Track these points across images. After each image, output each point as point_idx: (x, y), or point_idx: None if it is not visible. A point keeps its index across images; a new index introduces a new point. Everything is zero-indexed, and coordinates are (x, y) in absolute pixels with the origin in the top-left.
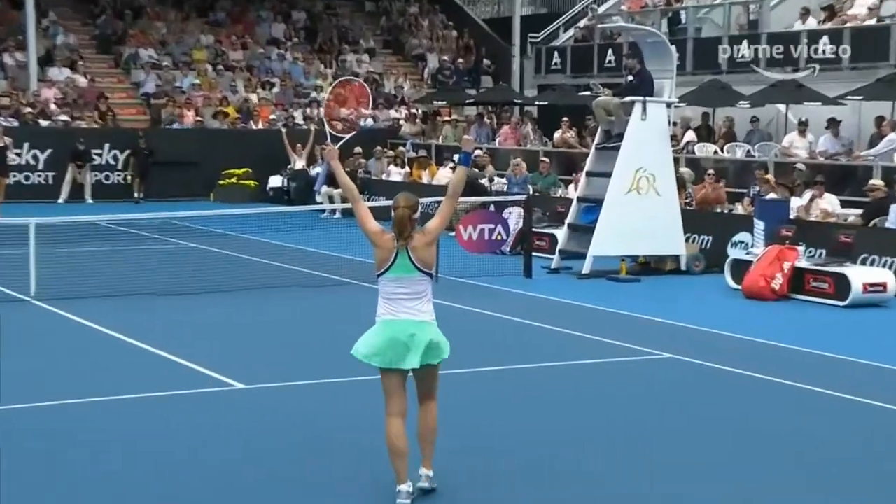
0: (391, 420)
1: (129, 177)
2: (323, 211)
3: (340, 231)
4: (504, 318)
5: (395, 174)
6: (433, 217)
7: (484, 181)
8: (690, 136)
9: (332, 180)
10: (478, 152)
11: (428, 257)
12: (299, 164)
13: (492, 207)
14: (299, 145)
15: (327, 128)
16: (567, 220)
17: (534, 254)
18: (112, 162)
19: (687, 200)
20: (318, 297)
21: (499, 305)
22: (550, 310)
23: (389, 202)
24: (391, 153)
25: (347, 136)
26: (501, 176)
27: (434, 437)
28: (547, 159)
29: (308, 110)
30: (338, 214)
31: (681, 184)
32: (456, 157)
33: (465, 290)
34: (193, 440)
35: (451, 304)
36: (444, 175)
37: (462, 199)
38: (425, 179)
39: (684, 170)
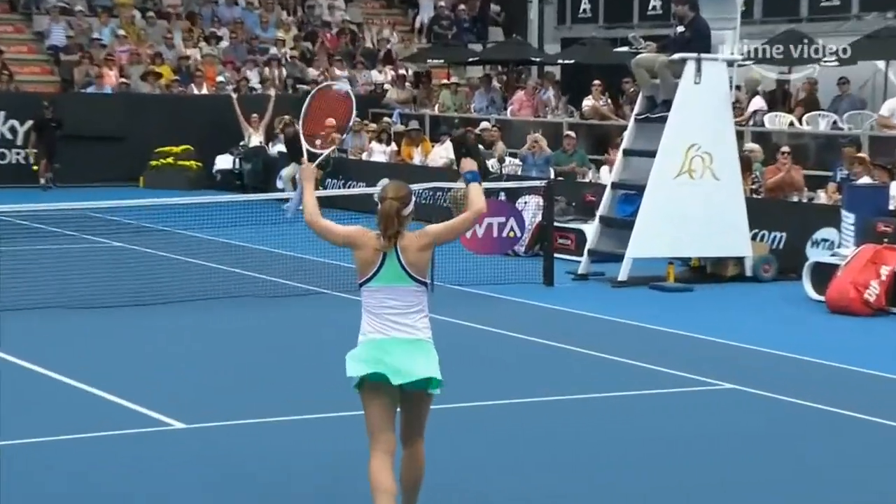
0: (376, 455)
1: (31, 156)
2: (286, 200)
3: (307, 227)
4: (518, 337)
5: (379, 153)
6: (438, 224)
7: (492, 163)
8: (759, 103)
9: (293, 155)
10: (484, 125)
11: (421, 262)
12: (255, 139)
13: (502, 196)
14: (255, 116)
15: (304, 143)
16: (599, 213)
17: (556, 255)
18: (9, 136)
19: (754, 186)
20: (279, 312)
21: (511, 321)
22: (577, 327)
23: (372, 189)
24: (373, 126)
25: (328, 152)
26: (514, 155)
27: (420, 484)
28: (573, 134)
29: (266, 70)
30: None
31: (746, 165)
32: (462, 176)
33: (468, 301)
34: (121, 492)
35: (450, 318)
36: (440, 154)
37: (454, 185)
38: (417, 159)
39: (751, 147)
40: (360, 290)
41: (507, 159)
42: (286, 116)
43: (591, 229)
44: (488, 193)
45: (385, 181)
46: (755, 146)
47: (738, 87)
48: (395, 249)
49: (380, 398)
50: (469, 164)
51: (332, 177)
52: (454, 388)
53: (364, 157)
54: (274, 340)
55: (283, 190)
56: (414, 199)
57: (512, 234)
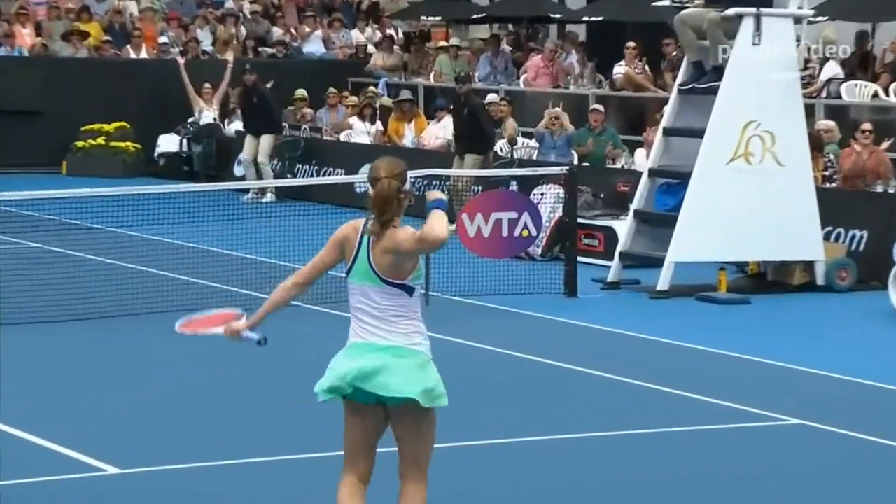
0: (345, 481)
1: None
2: (246, 191)
3: (275, 224)
4: (534, 360)
5: (361, 132)
6: (408, 231)
7: (500, 144)
8: (834, 69)
9: (254, 126)
10: (491, 98)
11: (384, 264)
12: (207, 115)
13: (513, 186)
14: (207, 86)
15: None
16: (633, 206)
17: (580, 259)
18: None
19: (827, 173)
20: None
21: (525, 341)
22: (607, 347)
23: (354, 178)
24: (353, 100)
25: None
26: (529, 135)
27: None
28: (601, 108)
29: (221, 28)
30: (269, 197)
31: (817, 146)
32: (429, 204)
33: (472, 315)
34: None
35: (449, 337)
36: (436, 133)
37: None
38: (408, 139)
39: (824, 124)
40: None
41: (520, 140)
42: (246, 72)
43: (623, 227)
44: (496, 183)
45: (379, 161)
46: (829, 123)
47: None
48: (367, 242)
49: (359, 414)
50: (435, 195)
51: (303, 161)
52: (459, 423)
53: (342, 137)
54: (229, 366)
55: (242, 178)
56: (409, 180)
57: (525, 233)
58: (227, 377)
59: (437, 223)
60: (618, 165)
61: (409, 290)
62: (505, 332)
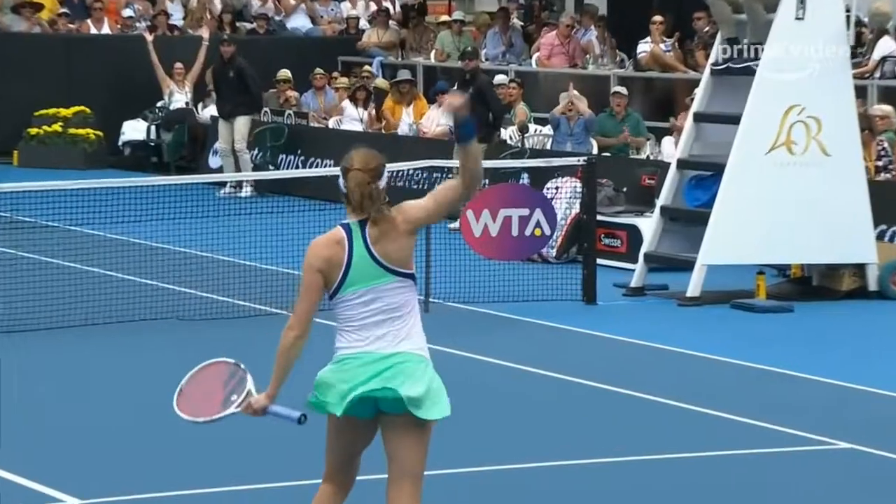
0: (324, 488)
1: None
2: (223, 184)
3: (255, 222)
4: (549, 375)
5: (351, 118)
6: (416, 201)
7: (510, 132)
8: (889, 46)
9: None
10: (500, 79)
11: (399, 251)
12: (178, 98)
13: (524, 179)
14: (179, 66)
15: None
16: (660, 202)
17: (600, 261)
18: None
19: (881, 163)
20: (211, 340)
21: (539, 354)
22: (631, 361)
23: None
24: (343, 81)
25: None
26: (543, 122)
27: None
28: (624, 91)
29: (193, 1)
30: (248, 191)
31: (869, 135)
32: (452, 128)
33: (478, 325)
34: None
35: (453, 350)
36: (437, 120)
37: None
38: (405, 125)
39: (878, 109)
40: (334, 304)
41: (532, 127)
42: (224, 43)
43: (648, 225)
44: (506, 176)
45: (355, 151)
46: (884, 108)
47: (858, 24)
48: (364, 237)
49: (352, 429)
50: (452, 106)
51: (287, 151)
52: (470, 447)
53: (331, 123)
54: None
55: (219, 169)
56: (386, 173)
57: (538, 232)
58: None
59: (478, 158)
60: (643, 155)
61: (415, 280)
62: (515, 343)
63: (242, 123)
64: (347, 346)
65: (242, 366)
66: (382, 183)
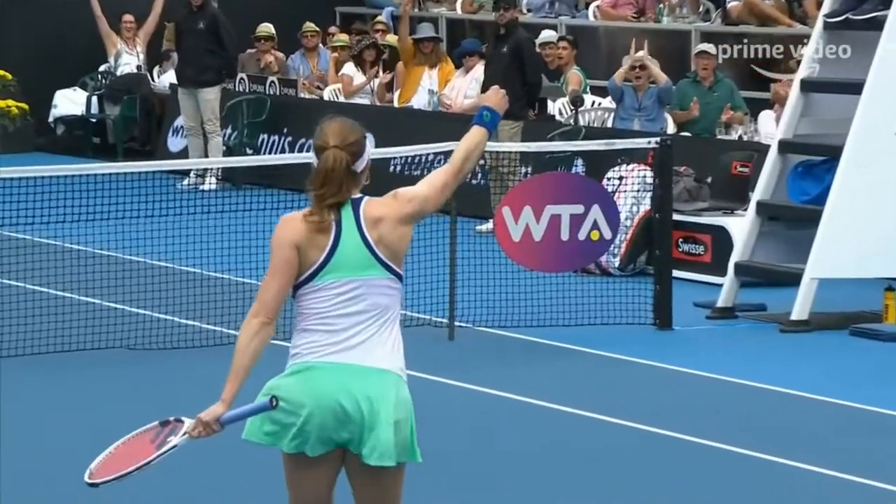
0: None
1: None
2: (185, 174)
3: (227, 222)
4: (611, 422)
5: (357, 89)
6: (415, 186)
7: (559, 104)
8: None
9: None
10: (546, 35)
11: (397, 242)
12: (128, 60)
13: (578, 166)
14: (129, 18)
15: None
16: (756, 196)
17: (677, 273)
18: None
19: None
20: (168, 376)
21: (600, 394)
22: (719, 404)
23: None
24: (343, 38)
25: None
26: (602, 92)
27: None
28: (712, 50)
29: None
30: (212, 184)
31: None
32: (478, 114)
33: (516, 356)
34: None
35: (485, 387)
36: (464, 88)
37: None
38: (423, 95)
39: None
40: (298, 294)
41: (587, 99)
42: None
43: (741, 227)
44: (554, 162)
45: (329, 123)
46: None
47: None
48: (359, 218)
49: (313, 466)
50: (495, 98)
51: (269, 131)
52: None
53: (326, 94)
54: (153, 408)
55: (181, 153)
56: (370, 147)
57: (596, 235)
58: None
59: (470, 140)
60: (734, 136)
61: (402, 283)
62: (565, 381)
63: (212, 94)
64: (312, 351)
65: (171, 417)
66: (363, 162)
